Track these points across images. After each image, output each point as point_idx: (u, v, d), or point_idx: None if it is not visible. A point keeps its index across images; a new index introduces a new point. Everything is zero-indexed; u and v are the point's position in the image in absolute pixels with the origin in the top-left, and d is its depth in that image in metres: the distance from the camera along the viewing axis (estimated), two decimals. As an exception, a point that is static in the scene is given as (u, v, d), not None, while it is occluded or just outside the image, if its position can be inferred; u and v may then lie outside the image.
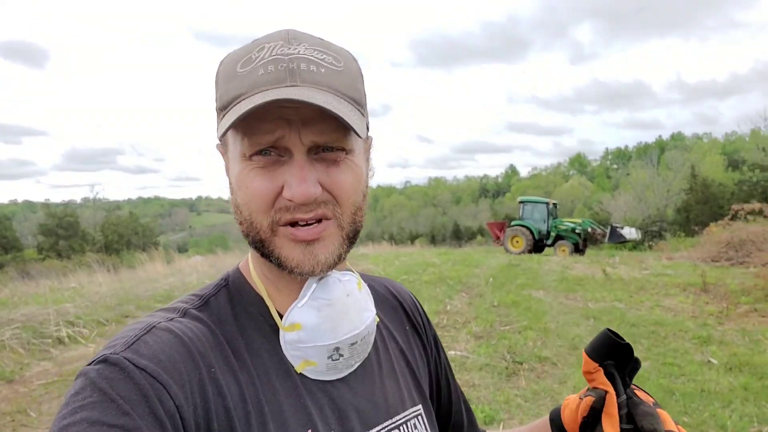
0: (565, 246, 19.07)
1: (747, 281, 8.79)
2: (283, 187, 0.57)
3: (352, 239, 0.63)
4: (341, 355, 0.64)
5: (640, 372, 3.21)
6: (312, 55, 0.58)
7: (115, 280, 9.84)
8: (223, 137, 0.61)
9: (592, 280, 10.09)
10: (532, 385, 4.37)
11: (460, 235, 48.09)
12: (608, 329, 0.64)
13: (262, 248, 0.61)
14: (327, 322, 0.62)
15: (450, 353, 5.23)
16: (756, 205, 12.66)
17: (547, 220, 20.23)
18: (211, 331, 0.60)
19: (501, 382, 4.46)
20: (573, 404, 0.69)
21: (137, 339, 0.54)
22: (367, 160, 0.68)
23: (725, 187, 35.80)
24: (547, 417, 0.76)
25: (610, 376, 0.64)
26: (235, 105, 0.57)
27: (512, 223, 21.01)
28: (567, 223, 20.32)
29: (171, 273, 11.21)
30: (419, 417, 0.73)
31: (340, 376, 0.65)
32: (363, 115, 0.62)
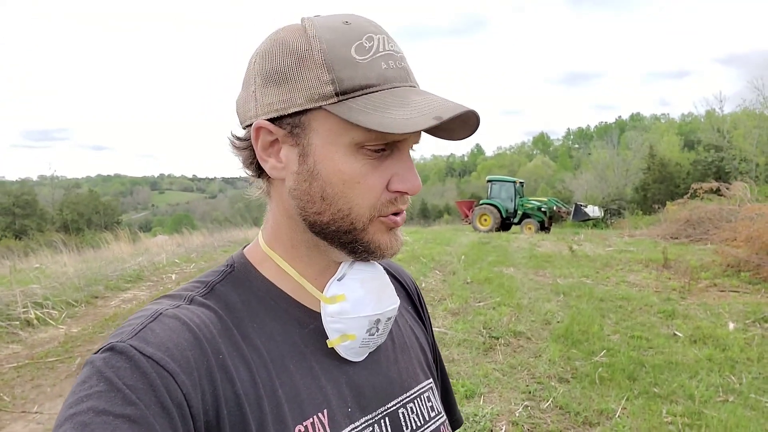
0: (531, 224, 19.48)
1: (706, 257, 9.22)
2: (390, 181, 0.59)
3: None
4: (377, 330, 0.65)
5: (611, 345, 3.35)
6: (402, 53, 0.61)
7: (79, 260, 9.55)
8: (291, 117, 0.58)
9: (560, 257, 10.38)
10: (509, 359, 4.50)
11: (427, 214, 48.53)
12: None
13: (348, 237, 0.61)
14: (372, 293, 0.64)
15: (428, 330, 5.33)
16: (713, 184, 13.21)
17: (514, 198, 20.58)
18: (219, 318, 0.59)
19: (479, 357, 4.57)
20: None
21: (144, 327, 0.53)
22: None
23: (681, 166, 37.18)
24: None
25: None
26: (366, 93, 0.56)
27: (480, 201, 21.29)
28: (533, 201, 20.72)
29: (138, 253, 10.96)
30: (431, 390, 0.75)
31: (361, 358, 0.67)
32: None
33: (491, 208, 20.19)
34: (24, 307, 5.48)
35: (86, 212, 40.27)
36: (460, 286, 7.54)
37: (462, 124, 0.61)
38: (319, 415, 0.60)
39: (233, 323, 0.60)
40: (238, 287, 0.64)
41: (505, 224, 20.19)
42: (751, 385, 3.85)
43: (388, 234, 0.62)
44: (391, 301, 0.66)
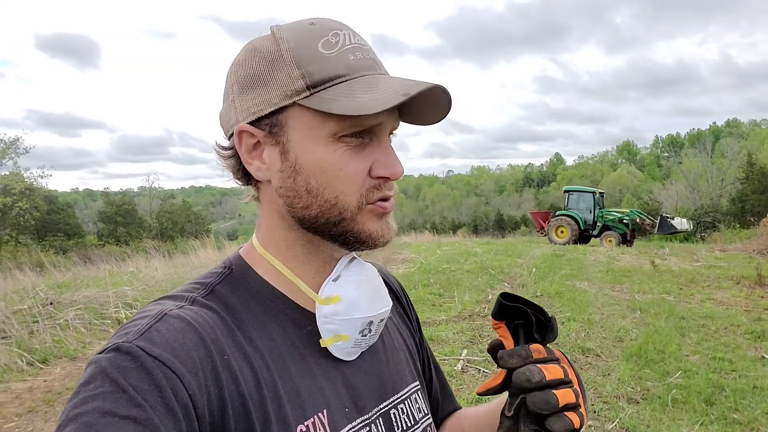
0: (611, 236, 18.57)
1: (807, 275, 8.37)
2: (371, 168, 0.61)
3: None
4: (369, 332, 0.66)
5: (689, 366, 3.17)
6: (368, 46, 0.64)
7: (169, 265, 10.28)
8: (269, 117, 0.61)
9: (640, 272, 9.83)
10: (575, 376, 4.35)
11: (503, 225, 47.47)
12: (504, 293, 0.65)
13: (338, 228, 0.62)
14: (366, 296, 0.66)
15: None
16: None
17: (593, 209, 19.72)
18: (221, 318, 0.60)
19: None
20: None
21: (150, 327, 0.53)
22: None
23: (786, 176, 33.83)
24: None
25: (514, 331, 0.64)
26: (336, 84, 0.58)
27: (557, 212, 20.59)
28: (614, 213, 19.75)
29: (222, 259, 11.61)
30: (418, 392, 0.77)
31: (353, 358, 0.68)
32: None
33: (568, 219, 19.46)
34: (116, 307, 6.02)
35: (179, 221, 43.12)
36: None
37: (434, 106, 0.62)
38: (320, 415, 0.61)
39: (235, 324, 0.60)
40: (236, 289, 0.65)
41: (583, 236, 19.39)
42: None
43: (379, 222, 0.63)
44: (383, 303, 0.68)
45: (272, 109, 0.60)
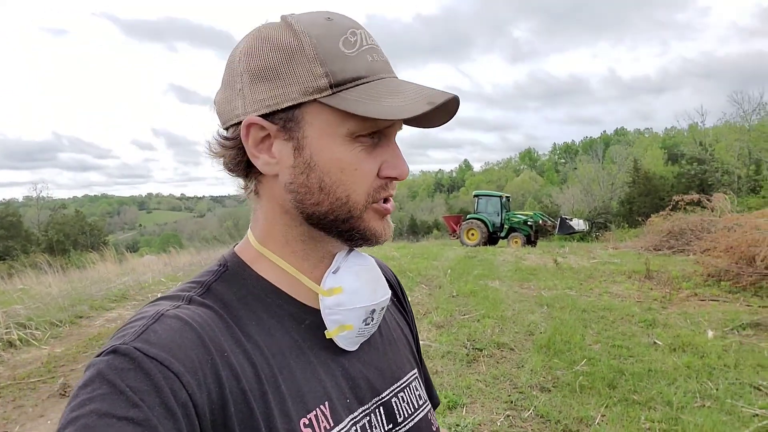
0: (518, 238, 19.63)
1: (687, 268, 9.37)
2: (381, 168, 0.63)
3: None
4: (371, 320, 0.68)
5: (592, 354, 3.41)
6: (380, 47, 0.65)
7: (65, 280, 9.46)
8: (284, 112, 0.59)
9: (545, 270, 10.48)
10: (492, 370, 4.55)
11: (416, 230, 48.54)
12: None
13: (344, 225, 0.63)
14: (367, 285, 0.67)
15: (413, 343, 5.36)
16: (695, 196, 13.44)
17: (500, 213, 20.75)
18: (219, 316, 0.59)
19: (462, 369, 4.61)
20: None
21: (147, 328, 0.53)
22: None
23: (665, 179, 37.64)
24: None
25: None
26: (358, 85, 0.59)
27: (468, 216, 21.43)
28: (519, 215, 20.89)
29: (124, 272, 10.88)
30: (417, 379, 0.79)
31: (355, 348, 0.69)
32: None
33: (478, 222, 20.32)
34: (6, 328, 5.43)
35: (72, 233, 39.85)
36: (446, 299, 7.59)
37: (443, 110, 0.64)
38: (321, 407, 0.61)
39: (233, 321, 0.60)
40: (233, 286, 0.65)
41: (492, 238, 20.31)
42: (728, 390, 3.93)
43: (382, 221, 0.66)
44: (384, 291, 0.70)
45: (290, 104, 0.58)
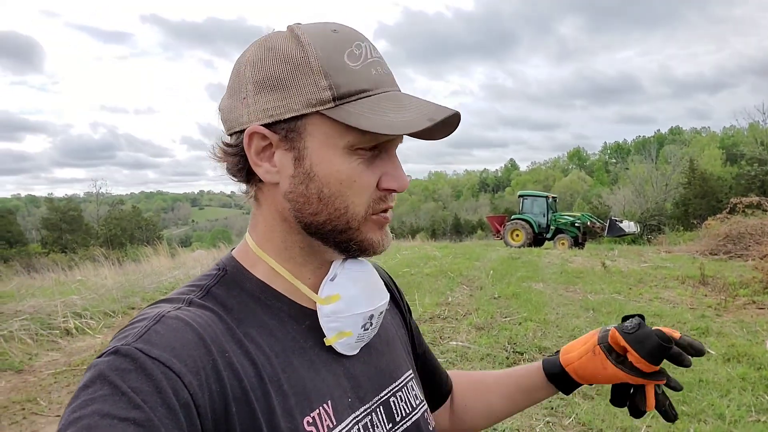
0: (564, 239, 19.16)
1: (745, 274, 8.87)
2: (380, 179, 0.63)
3: None
4: (371, 325, 0.69)
5: None
6: (384, 60, 0.65)
7: (120, 273, 9.92)
8: (286, 122, 0.60)
9: (592, 273, 10.17)
10: (533, 375, 4.46)
11: (460, 229, 48.17)
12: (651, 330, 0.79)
13: (343, 236, 0.64)
14: (364, 291, 0.68)
15: (451, 344, 5.31)
16: (754, 199, 12.70)
17: (546, 213, 20.30)
18: (219, 318, 0.60)
19: (502, 372, 4.54)
20: (586, 342, 0.84)
21: (148, 329, 0.53)
22: None
23: (723, 180, 35.90)
24: (534, 364, 0.90)
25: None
26: (361, 98, 0.60)
27: (512, 216, 21.09)
28: (566, 216, 20.40)
29: (175, 266, 11.29)
30: (413, 379, 0.80)
31: (356, 352, 0.70)
32: None
33: (523, 223, 19.97)
34: (64, 317, 5.74)
35: (129, 228, 41.71)
36: (487, 301, 7.48)
37: (444, 125, 0.64)
38: (324, 406, 0.62)
39: (234, 322, 0.61)
40: (232, 289, 0.65)
41: (537, 239, 19.92)
42: (786, 405, 3.71)
43: (380, 231, 0.66)
44: (382, 296, 0.71)
45: (292, 115, 0.60)
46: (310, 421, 0.60)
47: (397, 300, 0.89)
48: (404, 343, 0.85)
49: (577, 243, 19.24)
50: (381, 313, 0.70)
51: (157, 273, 10.15)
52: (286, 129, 0.61)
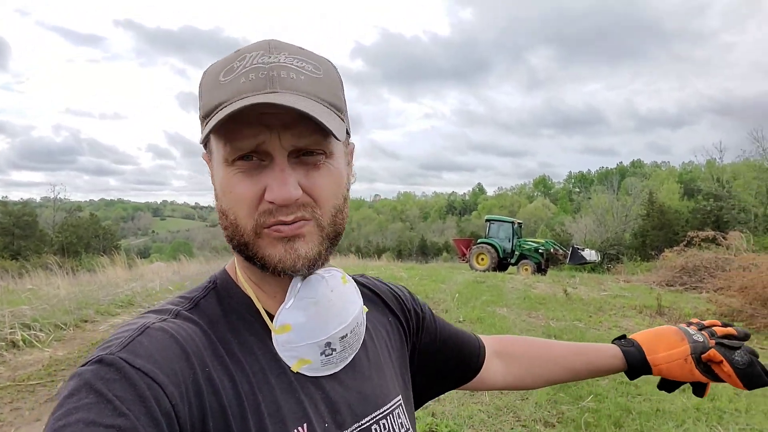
0: (528, 265, 19.46)
1: (700, 306, 9.18)
2: (265, 191, 0.59)
3: (333, 240, 0.65)
4: (333, 350, 0.67)
5: (599, 390, 3.39)
6: (292, 64, 0.61)
7: (73, 283, 9.53)
8: (207, 145, 0.65)
9: (554, 299, 10.33)
10: (496, 401, 4.45)
11: (426, 251, 48.41)
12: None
13: (246, 251, 0.62)
14: (314, 319, 0.65)
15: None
16: (710, 233, 13.26)
17: (512, 239, 20.62)
18: (203, 332, 0.61)
19: (465, 398, 4.52)
20: (674, 347, 0.92)
21: (132, 339, 0.54)
22: (349, 164, 0.71)
23: (680, 214, 37.25)
24: (608, 348, 0.96)
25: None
26: (217, 112, 0.58)
27: (478, 240, 21.33)
28: (530, 242, 20.76)
29: (132, 278, 10.93)
30: (401, 406, 0.76)
31: (335, 371, 0.68)
32: (342, 120, 0.64)
33: (489, 247, 20.21)
34: (11, 328, 5.45)
35: (85, 236, 40.27)
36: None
37: (310, 129, 0.59)
38: (299, 429, 0.61)
39: (217, 338, 0.61)
40: (220, 303, 0.66)
41: (502, 264, 20.17)
42: (738, 436, 3.80)
43: (282, 246, 0.61)
44: (339, 321, 0.67)
45: (202, 136, 0.63)
46: None
47: (397, 316, 0.86)
48: (397, 366, 0.81)
49: (540, 269, 19.56)
50: (343, 337, 0.67)
51: (113, 284, 9.80)
52: (209, 151, 0.65)
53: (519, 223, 22.07)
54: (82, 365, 0.52)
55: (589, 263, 21.24)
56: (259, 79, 0.59)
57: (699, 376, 0.91)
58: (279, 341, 0.64)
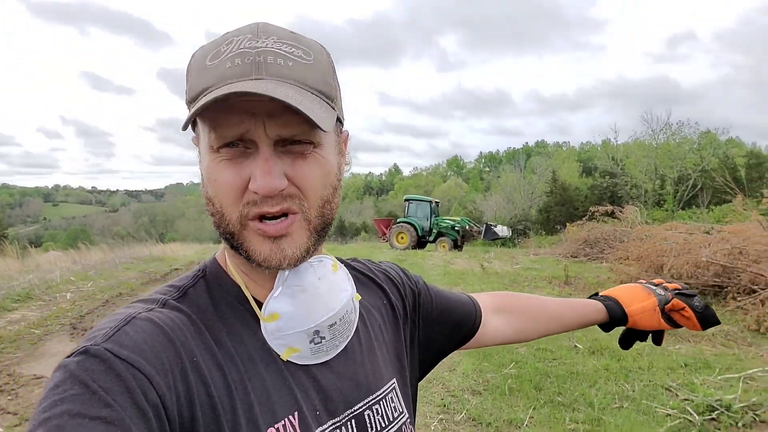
0: (445, 242, 20.08)
1: (602, 275, 9.97)
2: (250, 180, 0.57)
3: (321, 232, 0.63)
4: (323, 338, 0.66)
5: (519, 357, 3.59)
6: (280, 49, 0.58)
7: (-44, 276, 8.54)
8: (196, 128, 0.62)
9: (472, 274, 10.77)
10: (425, 374, 4.58)
11: (344, 231, 48.49)
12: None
13: (232, 241, 0.61)
14: (302, 307, 0.64)
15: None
16: (609, 207, 14.37)
17: (430, 217, 21.13)
18: (191, 321, 0.60)
19: (396, 373, 4.60)
20: (644, 300, 1.02)
21: (118, 330, 0.53)
22: (341, 153, 0.69)
23: (580, 191, 40.18)
24: (594, 303, 1.04)
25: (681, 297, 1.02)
26: (201, 98, 0.56)
27: (398, 220, 21.65)
28: (447, 220, 21.40)
29: (27, 270, 10.00)
30: (394, 390, 0.76)
31: (327, 359, 0.67)
32: (333, 108, 0.62)
33: (408, 226, 20.58)
34: None
35: (-35, 225, 36.23)
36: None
37: (297, 119, 0.56)
38: (290, 417, 0.60)
39: (205, 326, 0.60)
40: (209, 291, 0.65)
41: (420, 242, 20.65)
42: (643, 392, 4.18)
43: (266, 243, 0.59)
44: (327, 309, 0.66)
45: (186, 122, 0.58)
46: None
47: (391, 300, 0.84)
48: (391, 350, 0.80)
49: (456, 246, 20.27)
50: (331, 325, 0.67)
51: (6, 277, 8.91)
52: (197, 135, 0.63)
53: (436, 202, 22.65)
54: (67, 357, 0.51)
55: (501, 238, 22.30)
56: (245, 65, 0.57)
57: (663, 324, 1.02)
58: (268, 329, 0.63)
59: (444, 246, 19.76)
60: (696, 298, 1.02)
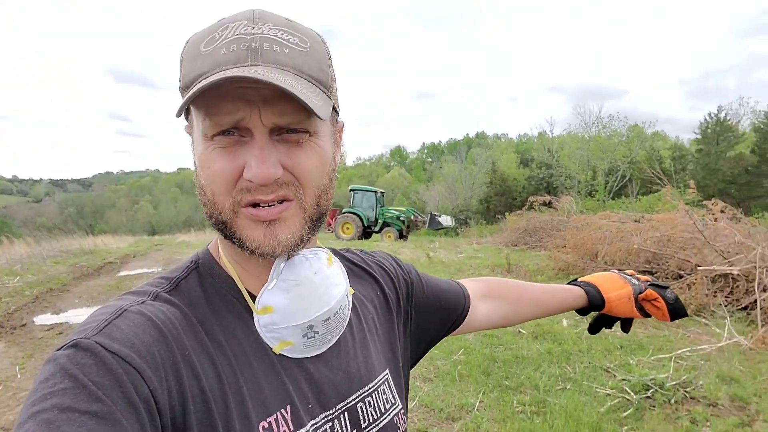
0: (390, 232, 20.25)
1: (541, 262, 10.38)
2: (244, 168, 0.57)
3: (316, 222, 0.63)
4: (316, 333, 0.65)
5: (467, 344, 3.69)
6: (276, 35, 0.58)
7: None
8: (189, 117, 0.62)
9: (418, 264, 10.91)
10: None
11: (287, 222, 47.90)
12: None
13: (225, 230, 0.60)
14: (297, 302, 0.63)
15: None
16: (546, 198, 14.95)
17: (375, 207, 21.23)
18: (183, 314, 0.59)
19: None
20: (621, 288, 1.07)
21: (109, 323, 0.52)
22: (336, 143, 0.68)
23: (518, 181, 41.53)
24: (574, 289, 1.08)
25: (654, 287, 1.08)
26: (196, 84, 0.55)
27: (343, 210, 21.60)
28: (392, 210, 21.58)
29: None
30: (387, 381, 0.77)
31: (318, 352, 0.67)
32: (329, 97, 0.62)
33: (354, 216, 20.60)
34: None
35: None
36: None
37: (293, 107, 0.56)
38: (282, 411, 0.60)
39: (198, 319, 0.60)
40: (201, 284, 0.64)
41: (366, 232, 20.71)
42: (584, 373, 4.40)
43: (261, 229, 0.59)
44: (322, 304, 0.66)
45: (180, 108, 0.57)
46: (266, 426, 0.59)
47: (385, 292, 0.85)
48: (386, 339, 0.81)
49: (402, 236, 20.50)
50: (325, 320, 0.66)
51: None
52: (189, 120, 0.62)
53: (381, 192, 22.76)
54: (57, 350, 0.50)
55: (444, 228, 22.75)
56: (240, 51, 0.56)
57: (635, 313, 1.06)
58: (261, 323, 0.63)
59: (390, 236, 19.93)
60: (668, 290, 1.07)
